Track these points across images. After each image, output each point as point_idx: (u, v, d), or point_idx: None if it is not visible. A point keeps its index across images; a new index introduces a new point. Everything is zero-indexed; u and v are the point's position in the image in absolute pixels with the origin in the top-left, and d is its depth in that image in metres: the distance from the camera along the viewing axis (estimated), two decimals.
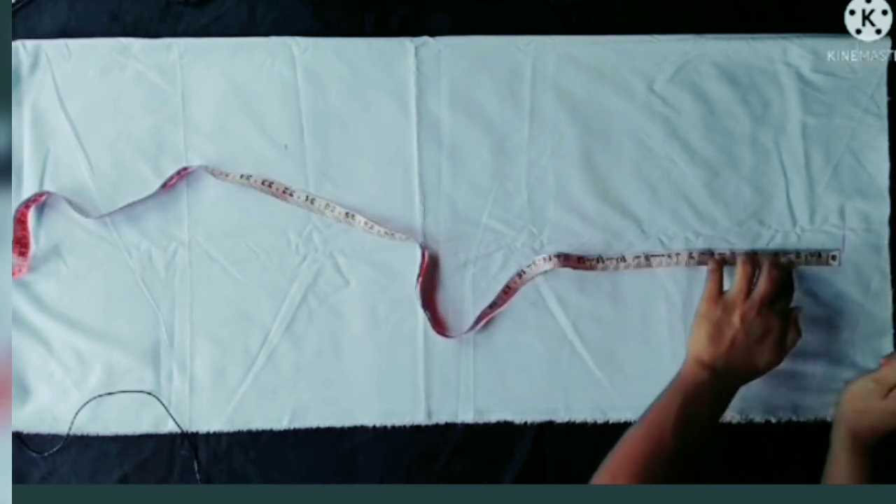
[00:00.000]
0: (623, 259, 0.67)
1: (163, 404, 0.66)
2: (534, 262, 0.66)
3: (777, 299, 0.62)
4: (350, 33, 0.69)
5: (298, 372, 0.67)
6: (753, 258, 0.64)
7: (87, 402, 0.66)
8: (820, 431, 0.65)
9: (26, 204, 0.66)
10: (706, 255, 0.67)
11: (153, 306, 0.67)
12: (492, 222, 0.68)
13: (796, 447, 0.66)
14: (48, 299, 0.67)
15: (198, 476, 0.67)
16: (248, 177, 0.67)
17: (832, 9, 0.67)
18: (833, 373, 0.67)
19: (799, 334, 0.62)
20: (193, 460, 0.67)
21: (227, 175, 0.67)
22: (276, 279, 0.67)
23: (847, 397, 0.63)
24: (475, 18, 0.69)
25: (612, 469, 0.57)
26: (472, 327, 0.66)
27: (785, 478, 0.67)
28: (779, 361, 0.62)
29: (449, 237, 0.68)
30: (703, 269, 0.67)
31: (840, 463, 0.61)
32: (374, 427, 0.67)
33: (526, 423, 0.67)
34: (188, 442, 0.67)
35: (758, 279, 0.62)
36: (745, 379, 0.62)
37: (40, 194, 0.67)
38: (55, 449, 0.66)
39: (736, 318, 0.61)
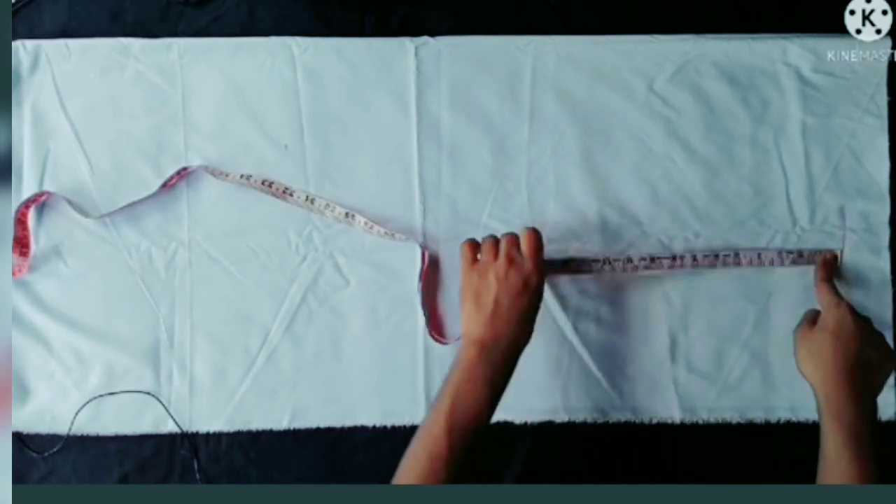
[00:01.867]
0: (630, 260, 0.66)
1: (163, 404, 0.66)
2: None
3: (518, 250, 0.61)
4: (350, 33, 0.69)
5: (298, 372, 0.67)
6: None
7: (88, 403, 0.66)
8: (819, 432, 0.65)
9: (26, 204, 0.66)
10: (709, 258, 0.67)
11: (153, 306, 0.67)
12: (492, 222, 0.68)
13: (796, 447, 0.66)
14: (48, 299, 0.67)
15: (198, 476, 0.67)
16: (248, 177, 0.67)
17: (832, 9, 0.67)
18: None
19: (538, 272, 0.60)
20: (193, 460, 0.67)
21: (227, 175, 0.67)
22: (276, 279, 0.67)
23: (797, 349, 0.63)
24: (475, 18, 0.69)
25: (399, 480, 0.56)
26: None
27: (785, 478, 0.67)
28: (537, 306, 0.60)
29: (449, 237, 0.68)
30: (704, 269, 0.67)
31: (826, 429, 0.59)
32: (374, 427, 0.67)
33: (526, 423, 0.67)
34: (188, 442, 0.67)
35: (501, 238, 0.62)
36: (517, 340, 0.59)
37: (40, 194, 0.67)
38: (55, 449, 0.66)
39: (491, 278, 0.59)
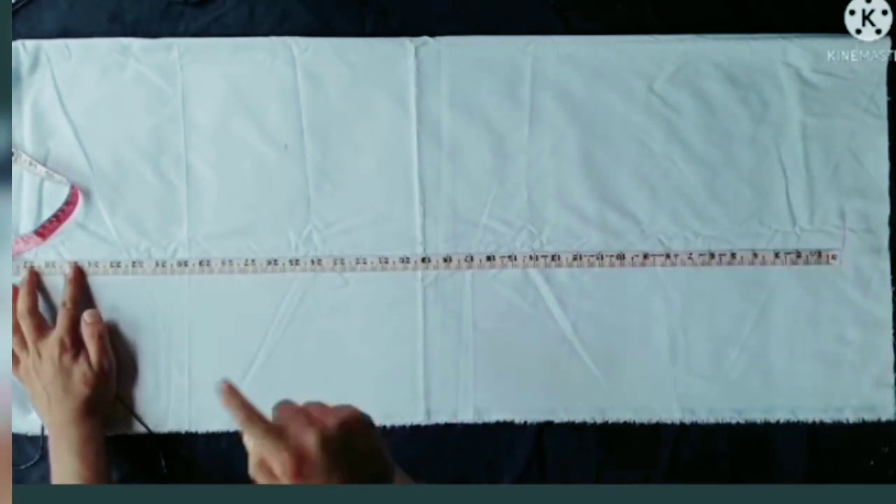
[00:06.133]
0: (622, 256, 0.67)
1: (124, 404, 0.66)
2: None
3: None
4: (350, 33, 0.69)
5: (298, 372, 0.67)
6: None
7: None
8: (819, 432, 0.66)
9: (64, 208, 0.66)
10: (704, 256, 0.67)
11: (152, 306, 0.67)
12: (492, 222, 0.68)
13: (796, 447, 0.66)
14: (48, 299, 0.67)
15: (195, 477, 0.67)
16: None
17: (832, 9, 0.67)
18: (832, 373, 0.67)
19: None
20: (193, 461, 0.67)
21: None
22: (275, 279, 0.67)
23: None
24: (475, 18, 0.69)
25: None
26: None
27: (784, 478, 0.67)
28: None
29: (449, 237, 0.68)
30: (704, 269, 0.67)
31: None
32: None
33: (526, 423, 0.67)
34: (156, 442, 0.67)
35: None
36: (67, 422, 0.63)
37: (73, 188, 0.66)
38: None
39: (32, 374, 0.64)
